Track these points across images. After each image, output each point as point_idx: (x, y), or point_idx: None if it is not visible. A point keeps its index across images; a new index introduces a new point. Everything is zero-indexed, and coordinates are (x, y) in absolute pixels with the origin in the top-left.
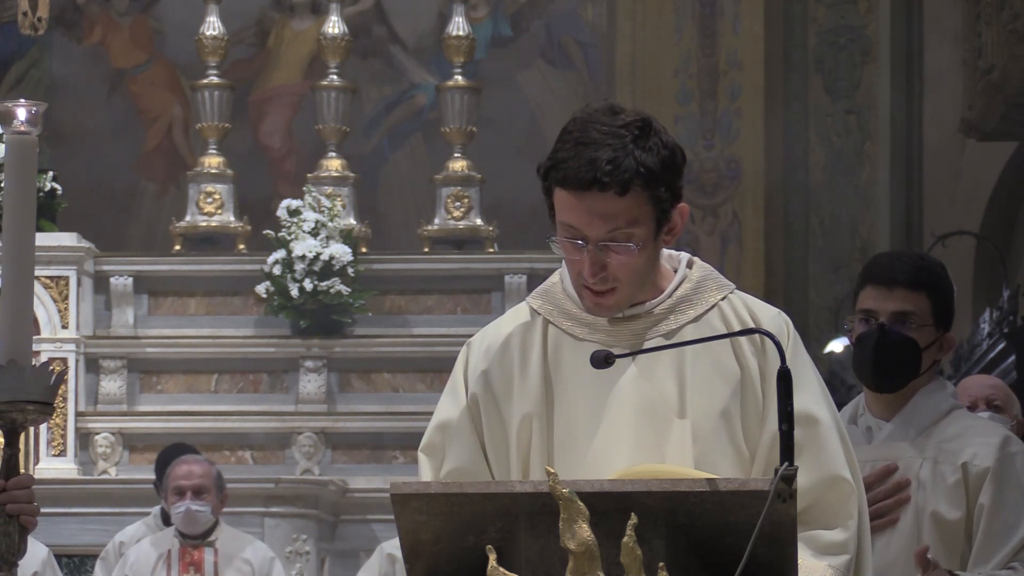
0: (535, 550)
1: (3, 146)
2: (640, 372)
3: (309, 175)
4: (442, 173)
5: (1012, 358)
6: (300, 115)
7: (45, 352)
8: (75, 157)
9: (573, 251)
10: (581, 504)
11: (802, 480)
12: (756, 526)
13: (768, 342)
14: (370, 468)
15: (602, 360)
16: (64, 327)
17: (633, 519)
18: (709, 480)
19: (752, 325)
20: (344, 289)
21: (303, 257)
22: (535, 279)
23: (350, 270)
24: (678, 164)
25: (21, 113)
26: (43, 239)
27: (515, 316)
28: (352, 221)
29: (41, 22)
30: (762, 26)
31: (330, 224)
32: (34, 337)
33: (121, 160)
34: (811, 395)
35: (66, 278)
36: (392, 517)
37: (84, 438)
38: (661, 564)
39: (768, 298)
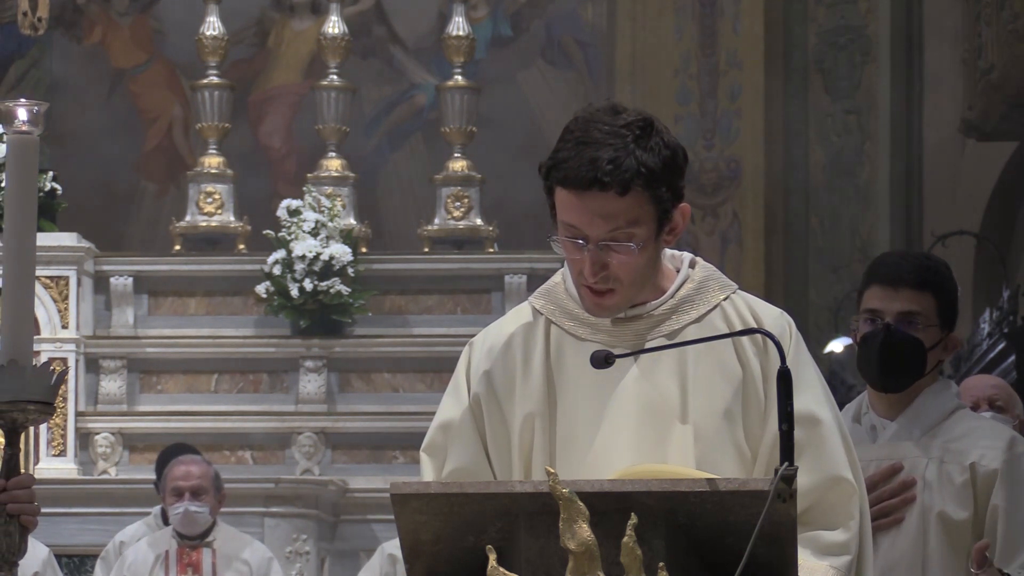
0: (535, 550)
1: (4, 146)
2: (642, 372)
3: (309, 175)
4: (442, 173)
5: (1012, 358)
6: (300, 115)
7: (45, 352)
8: (75, 157)
9: (574, 250)
10: (581, 504)
11: (803, 480)
12: (756, 526)
13: (770, 342)
14: (370, 468)
15: (602, 360)
16: (64, 327)
17: (633, 519)
18: (709, 480)
19: (754, 325)
20: (344, 289)
21: (303, 257)
22: (535, 279)
23: (350, 270)
24: (679, 164)
25: (22, 113)
26: (43, 239)
27: (517, 316)
28: (352, 221)
29: (41, 22)
30: (762, 26)
31: (330, 224)
32: (34, 337)
33: (121, 160)
34: (813, 395)
35: (66, 278)
36: (392, 517)
37: (84, 438)
38: (661, 564)
39: (768, 298)
